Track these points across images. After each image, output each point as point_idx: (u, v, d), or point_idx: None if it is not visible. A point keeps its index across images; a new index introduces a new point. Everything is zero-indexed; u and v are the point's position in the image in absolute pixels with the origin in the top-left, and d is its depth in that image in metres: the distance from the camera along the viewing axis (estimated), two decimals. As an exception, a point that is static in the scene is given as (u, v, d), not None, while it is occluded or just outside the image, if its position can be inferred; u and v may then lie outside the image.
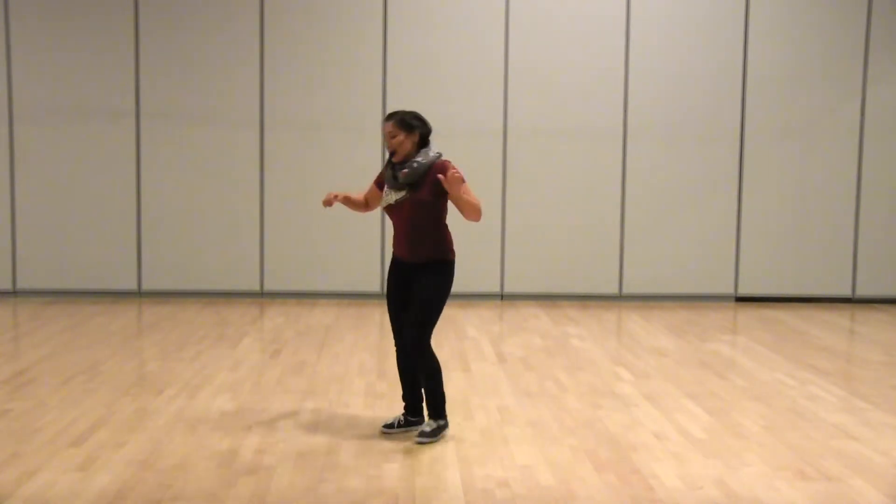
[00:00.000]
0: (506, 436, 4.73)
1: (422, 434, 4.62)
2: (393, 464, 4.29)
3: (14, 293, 8.94)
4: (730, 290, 9.20)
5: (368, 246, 8.97)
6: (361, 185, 8.61)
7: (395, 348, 4.85)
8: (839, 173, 9.16)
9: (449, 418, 4.91)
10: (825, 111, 9.10)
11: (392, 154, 4.64)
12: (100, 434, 4.66)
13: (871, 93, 9.08)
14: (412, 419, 4.78)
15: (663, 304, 9.02)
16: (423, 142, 4.63)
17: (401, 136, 4.60)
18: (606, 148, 9.03)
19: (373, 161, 8.70)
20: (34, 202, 8.89)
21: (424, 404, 4.74)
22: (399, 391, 5.43)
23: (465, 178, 4.51)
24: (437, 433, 4.63)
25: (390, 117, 4.66)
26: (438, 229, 4.62)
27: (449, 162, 4.58)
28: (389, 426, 4.77)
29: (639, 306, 8.92)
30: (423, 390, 4.72)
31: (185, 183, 8.93)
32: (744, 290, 9.21)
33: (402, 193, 4.57)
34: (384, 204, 4.68)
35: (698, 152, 9.07)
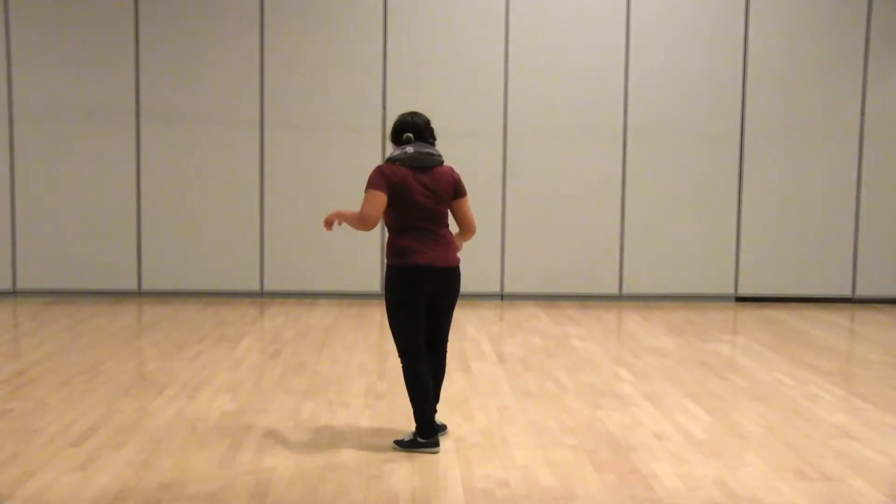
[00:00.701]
0: (506, 436, 4.73)
1: (399, 441, 4.53)
2: (393, 464, 4.29)
3: (14, 293, 8.94)
4: (730, 290, 9.20)
5: (368, 246, 8.96)
6: (361, 186, 8.65)
7: None
8: (839, 173, 9.16)
9: (449, 418, 4.93)
10: (825, 111, 9.10)
11: None
12: (100, 434, 4.66)
13: (871, 93, 9.08)
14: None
15: (663, 304, 9.02)
16: (398, 145, 4.57)
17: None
18: (606, 148, 9.03)
19: (373, 161, 8.69)
20: (34, 202, 8.89)
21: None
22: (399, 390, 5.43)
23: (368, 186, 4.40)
24: (408, 446, 4.48)
25: None
26: (390, 233, 4.53)
27: (376, 169, 4.46)
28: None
29: (639, 306, 8.92)
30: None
31: (185, 183, 8.93)
32: (744, 290, 9.21)
33: None
34: None
35: (698, 153, 9.07)
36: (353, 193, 8.97)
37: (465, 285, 8.76)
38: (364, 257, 9.00)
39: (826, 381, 6.01)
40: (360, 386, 5.70)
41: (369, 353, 6.66)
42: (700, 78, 9.02)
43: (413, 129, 4.54)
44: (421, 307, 4.46)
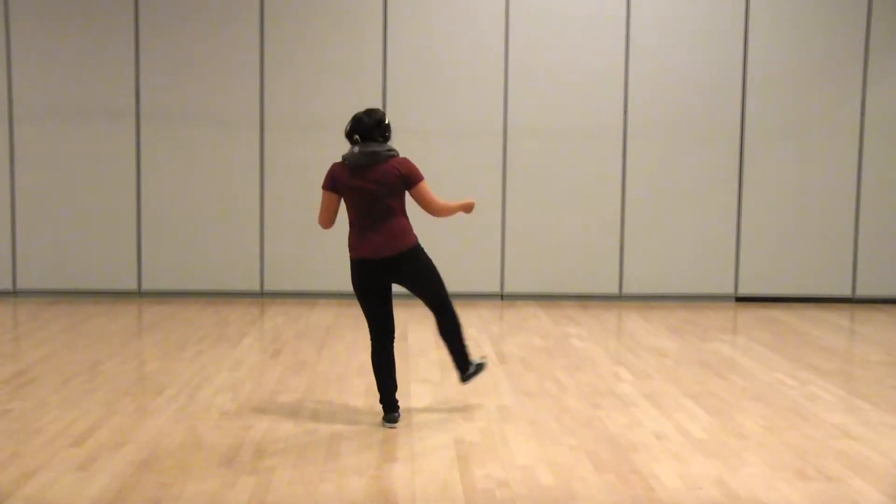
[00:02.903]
0: (506, 436, 4.73)
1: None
2: (393, 464, 4.29)
3: (14, 293, 8.94)
4: (730, 290, 9.20)
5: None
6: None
7: None
8: (839, 173, 9.15)
9: (449, 418, 4.97)
10: (825, 111, 9.10)
11: None
12: (100, 434, 4.66)
13: (871, 93, 9.08)
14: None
15: (663, 304, 9.02)
16: (350, 144, 4.90)
17: None
18: (606, 148, 9.03)
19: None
20: (34, 202, 8.89)
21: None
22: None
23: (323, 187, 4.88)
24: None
25: None
26: None
27: (328, 169, 4.91)
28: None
29: (639, 306, 8.91)
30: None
31: (185, 183, 8.93)
32: (744, 290, 9.21)
33: None
34: None
35: (698, 152, 9.07)
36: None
37: (466, 285, 8.85)
38: (364, 257, 8.99)
39: (826, 381, 6.01)
40: (360, 386, 5.70)
41: (369, 353, 6.64)
42: (700, 78, 9.01)
43: (361, 130, 4.85)
44: (374, 295, 4.84)
